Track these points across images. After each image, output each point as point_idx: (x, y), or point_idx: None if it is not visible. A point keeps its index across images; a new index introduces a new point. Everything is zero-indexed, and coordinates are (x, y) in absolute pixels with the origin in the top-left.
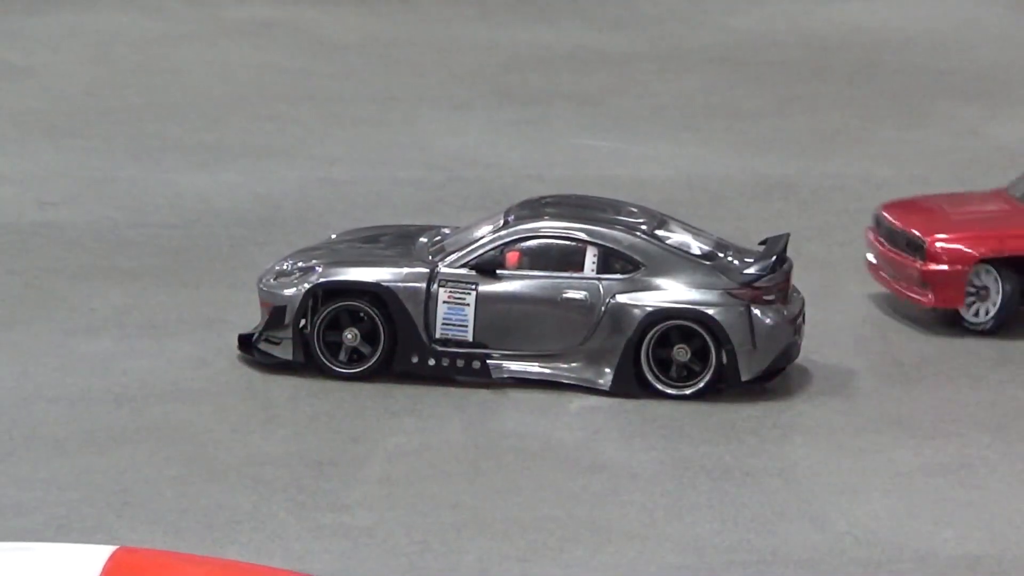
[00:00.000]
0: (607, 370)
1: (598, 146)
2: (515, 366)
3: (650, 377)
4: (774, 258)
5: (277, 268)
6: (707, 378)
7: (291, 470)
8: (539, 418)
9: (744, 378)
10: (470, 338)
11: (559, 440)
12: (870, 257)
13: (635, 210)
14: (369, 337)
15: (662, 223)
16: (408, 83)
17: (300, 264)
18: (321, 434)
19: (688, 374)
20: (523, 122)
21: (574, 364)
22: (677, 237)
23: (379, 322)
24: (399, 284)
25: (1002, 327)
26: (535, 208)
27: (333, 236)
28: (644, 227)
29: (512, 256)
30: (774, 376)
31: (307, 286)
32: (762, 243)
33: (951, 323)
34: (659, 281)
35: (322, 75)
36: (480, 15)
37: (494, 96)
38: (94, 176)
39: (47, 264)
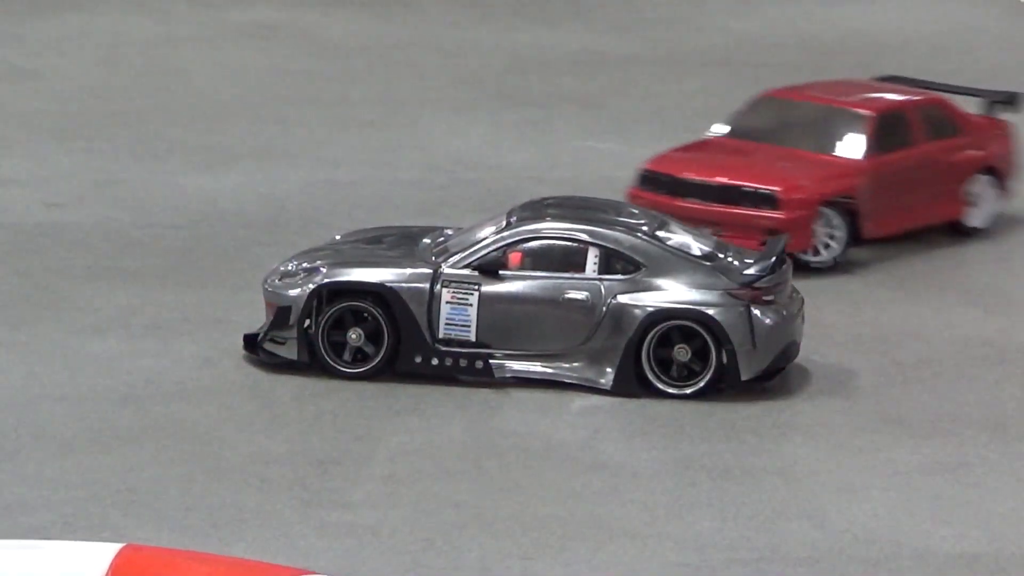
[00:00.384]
0: (608, 370)
1: (599, 148)
2: (517, 366)
3: (651, 377)
4: (773, 259)
5: (282, 269)
6: (707, 378)
7: (296, 469)
8: (541, 417)
9: (744, 378)
10: (473, 338)
11: (561, 439)
12: None
13: (636, 211)
14: (373, 337)
15: (663, 224)
16: (411, 86)
17: (305, 265)
18: (325, 433)
19: (688, 374)
20: (525, 124)
21: (576, 364)
22: (677, 238)
23: (383, 322)
24: (403, 284)
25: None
26: (537, 209)
27: (337, 237)
28: (645, 228)
29: (514, 257)
30: (774, 376)
31: (312, 286)
32: (762, 244)
33: (950, 324)
34: (660, 282)
35: (326, 78)
36: (482, 18)
37: (496, 98)
38: (100, 177)
39: (53, 265)
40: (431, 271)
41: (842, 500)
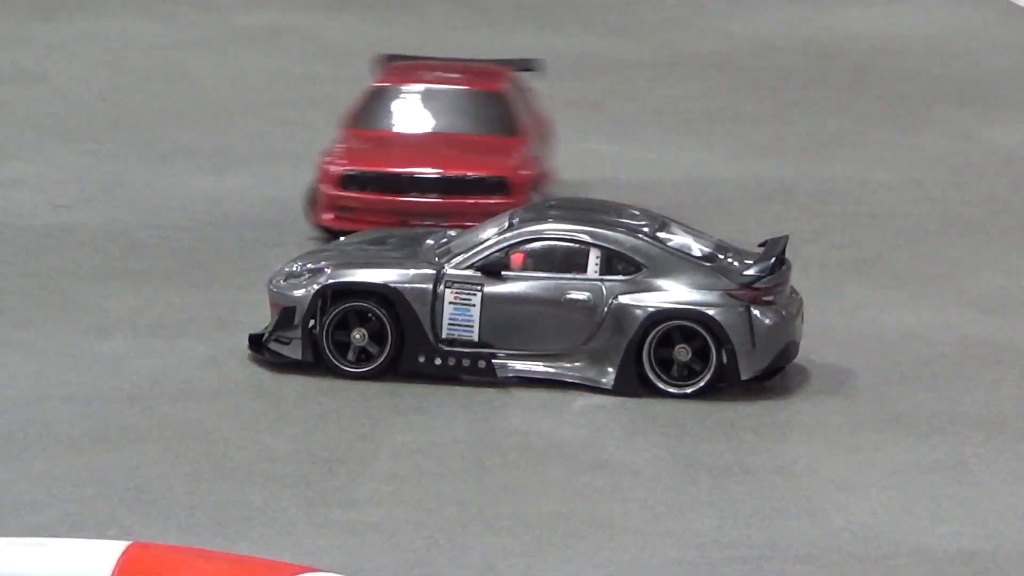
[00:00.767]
0: (610, 369)
1: (601, 150)
2: (520, 365)
3: (652, 376)
4: (773, 260)
5: (287, 270)
6: (707, 377)
7: (300, 467)
8: (543, 416)
9: (744, 377)
10: (476, 338)
11: (563, 438)
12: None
13: (637, 213)
14: (377, 337)
15: (663, 225)
16: None
17: (309, 266)
18: (330, 432)
19: (689, 373)
20: None
21: (577, 363)
22: (678, 239)
23: (387, 322)
24: (406, 285)
25: None
26: (539, 211)
27: (341, 238)
28: (646, 229)
29: (517, 258)
30: (773, 375)
31: (316, 287)
32: (761, 245)
33: (948, 324)
34: (660, 282)
35: (330, 80)
36: (485, 22)
37: None
38: (107, 179)
39: (61, 265)
40: (434, 272)
41: (841, 498)
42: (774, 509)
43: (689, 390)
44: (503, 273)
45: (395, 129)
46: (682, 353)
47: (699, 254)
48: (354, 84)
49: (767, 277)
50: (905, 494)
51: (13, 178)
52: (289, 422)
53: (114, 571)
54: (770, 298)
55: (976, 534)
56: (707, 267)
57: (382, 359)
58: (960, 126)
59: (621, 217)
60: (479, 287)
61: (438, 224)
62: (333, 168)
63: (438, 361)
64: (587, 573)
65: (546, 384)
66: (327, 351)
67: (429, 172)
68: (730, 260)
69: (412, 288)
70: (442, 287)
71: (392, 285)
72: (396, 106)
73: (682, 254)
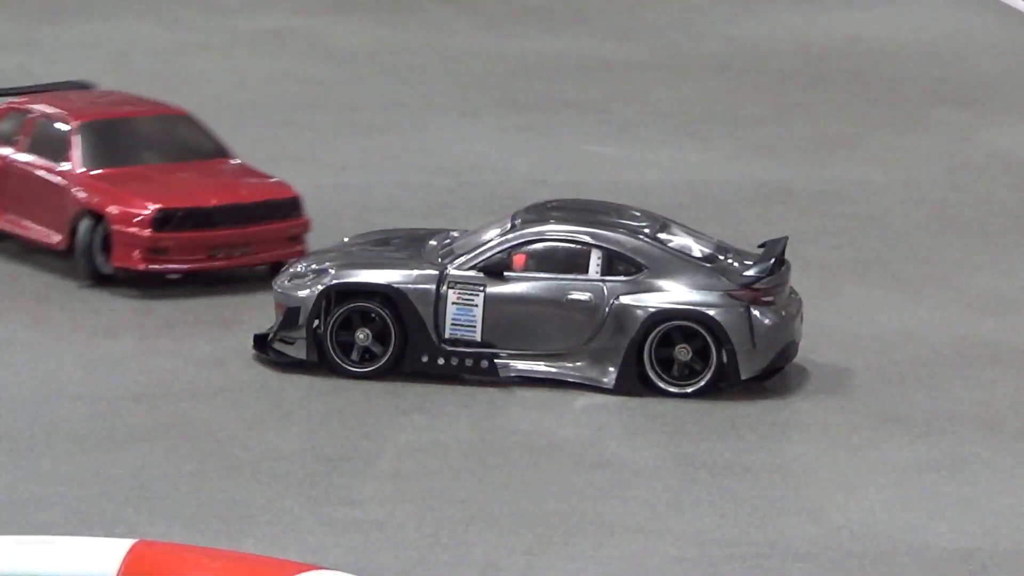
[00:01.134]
0: (611, 369)
1: (602, 152)
2: (522, 365)
3: (652, 376)
4: (773, 260)
5: (291, 270)
6: (708, 377)
7: (304, 466)
8: (545, 415)
9: (744, 377)
10: (478, 338)
11: (564, 437)
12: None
13: (638, 214)
14: (380, 337)
15: (664, 226)
16: (418, 91)
17: (314, 266)
18: (334, 431)
19: (689, 373)
20: (529, 129)
21: (579, 363)
22: (679, 240)
23: (390, 322)
24: (410, 286)
25: None
26: (541, 212)
27: (346, 239)
28: (647, 230)
29: (519, 258)
30: (773, 375)
31: (320, 287)
32: (761, 246)
33: (946, 324)
34: (661, 283)
35: (334, 83)
36: (488, 25)
37: (501, 104)
38: None
39: (68, 266)
40: (437, 272)
41: (839, 496)
42: (774, 507)
43: (689, 390)
44: (505, 274)
45: (142, 163)
46: (683, 353)
47: (699, 255)
48: (357, 87)
49: (767, 278)
50: (903, 492)
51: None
52: (293, 421)
53: (120, 569)
54: (770, 298)
55: (974, 532)
56: (707, 268)
57: (385, 359)
58: (958, 128)
59: (622, 218)
60: (482, 287)
61: (244, 256)
62: (140, 209)
63: (441, 361)
64: (588, 571)
65: (548, 384)
66: (331, 351)
67: (235, 202)
68: (730, 261)
69: (415, 288)
70: (445, 287)
71: (396, 285)
72: (113, 141)
73: (683, 255)
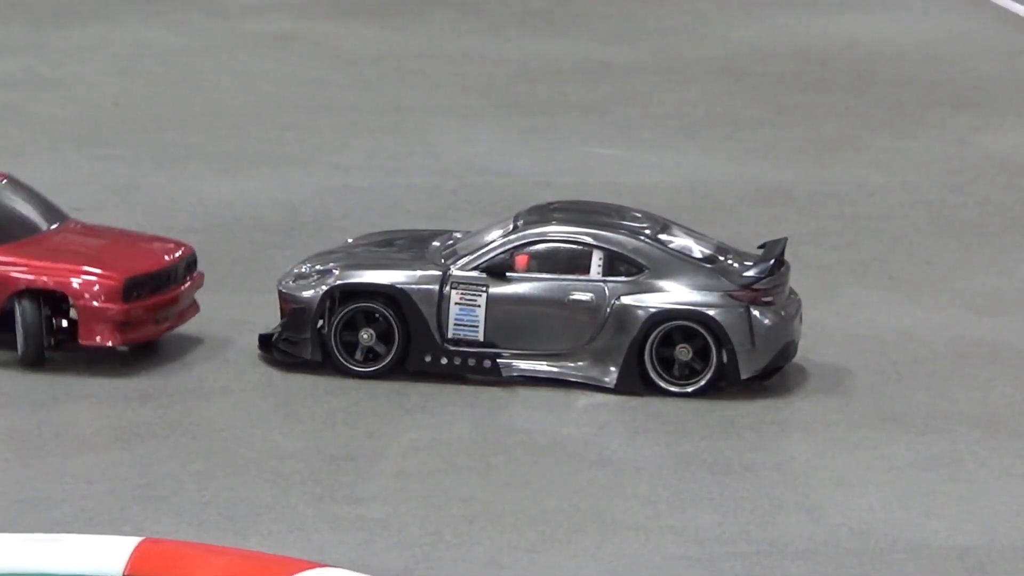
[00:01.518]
0: (612, 368)
1: (603, 154)
2: (524, 365)
3: (653, 375)
4: (773, 261)
5: (296, 271)
6: (708, 376)
7: (309, 464)
8: (547, 415)
9: (744, 376)
10: (481, 338)
11: (566, 436)
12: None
13: (639, 215)
14: (384, 337)
15: (665, 228)
16: (421, 94)
17: (318, 267)
18: (338, 430)
19: (690, 372)
20: (531, 131)
21: (580, 363)
22: (679, 241)
23: (394, 323)
24: (413, 286)
25: None
26: (543, 213)
27: (350, 240)
28: (648, 231)
29: (521, 259)
30: (772, 374)
31: (325, 288)
32: (761, 247)
33: (944, 324)
34: (662, 283)
35: (339, 86)
36: (490, 29)
37: (504, 106)
38: (120, 183)
39: None
40: (440, 273)
41: (838, 495)
42: (773, 505)
43: (690, 389)
44: (508, 274)
45: (22, 237)
46: (683, 353)
47: (700, 256)
48: (361, 90)
49: (766, 278)
50: (901, 491)
51: (29, 182)
52: (298, 420)
53: (127, 566)
54: (769, 299)
55: (971, 530)
56: (708, 268)
57: (389, 358)
58: (955, 130)
59: (623, 219)
60: (484, 288)
61: (176, 317)
62: (105, 282)
63: (444, 361)
64: (590, 568)
65: (550, 383)
66: (335, 351)
67: (170, 264)
68: (730, 262)
69: (419, 289)
70: (448, 288)
71: (399, 286)
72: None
73: (683, 256)
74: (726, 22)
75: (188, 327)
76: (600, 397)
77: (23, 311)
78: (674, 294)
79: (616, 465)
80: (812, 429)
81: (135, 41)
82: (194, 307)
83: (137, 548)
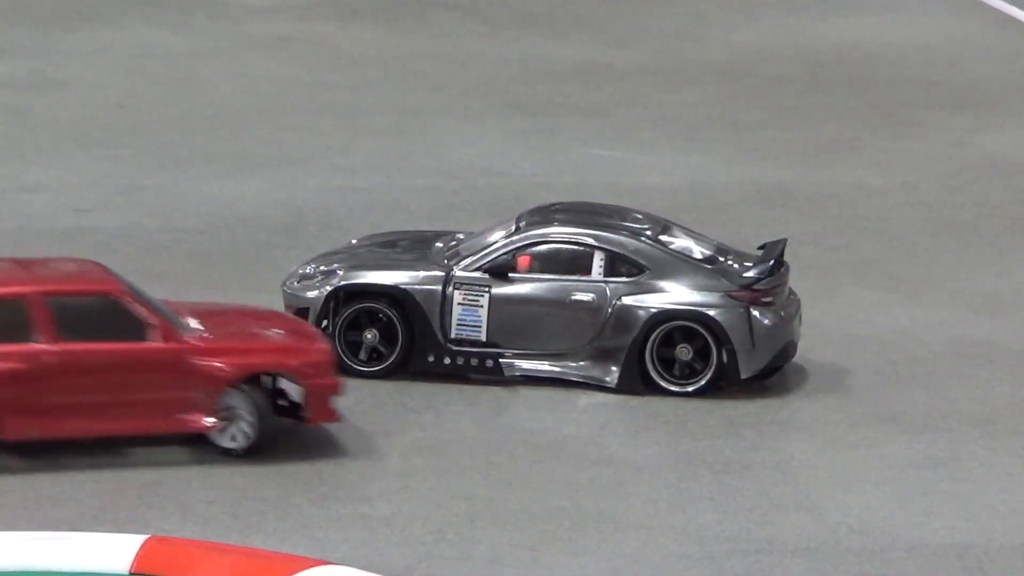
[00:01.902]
0: (613, 368)
1: (604, 155)
2: (526, 364)
3: (654, 375)
4: (772, 262)
5: (300, 271)
6: (708, 376)
7: (313, 463)
8: (548, 414)
9: (743, 376)
10: (483, 338)
11: (568, 435)
12: None
13: (640, 216)
14: (388, 337)
15: (665, 229)
16: (424, 95)
17: (322, 268)
18: (342, 429)
19: (690, 372)
20: (533, 132)
21: (582, 363)
22: (680, 242)
23: (397, 323)
24: (416, 287)
25: None
26: (545, 214)
27: (353, 241)
28: (648, 232)
29: (523, 260)
30: (772, 374)
31: (329, 288)
32: (761, 248)
33: (942, 324)
34: (663, 284)
35: (341, 87)
36: (492, 31)
37: (506, 108)
38: (125, 184)
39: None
40: (443, 274)
41: (837, 493)
42: (773, 504)
43: (690, 388)
44: (510, 275)
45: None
46: (684, 352)
47: (700, 256)
48: (364, 92)
49: (766, 279)
50: (900, 490)
51: (35, 183)
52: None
53: (133, 564)
54: (769, 299)
55: (969, 528)
56: (708, 269)
57: (393, 358)
58: (953, 132)
59: (624, 220)
60: (487, 288)
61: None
62: (319, 356)
63: (447, 360)
64: (592, 566)
65: (551, 383)
66: (339, 350)
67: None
68: (730, 262)
69: (422, 289)
70: (451, 288)
71: (402, 287)
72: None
73: (684, 257)
74: (726, 24)
75: None
76: (601, 397)
77: (249, 397)
78: (675, 294)
79: (617, 464)
80: (811, 428)
81: (139, 43)
82: None
83: (143, 546)
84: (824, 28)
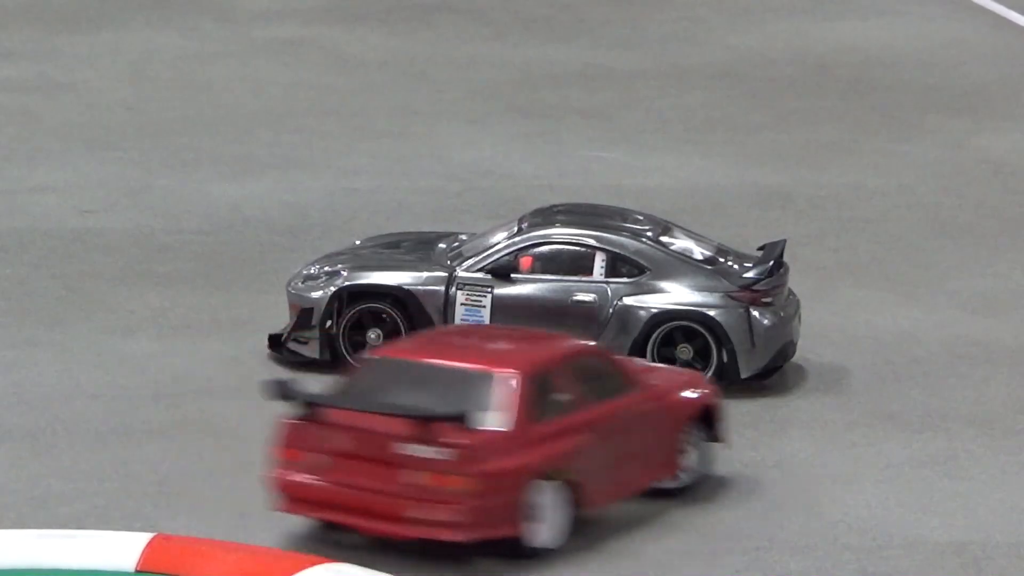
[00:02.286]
0: None
1: (606, 158)
2: None
3: None
4: (772, 263)
5: (305, 272)
6: (708, 376)
7: None
8: None
9: (743, 376)
10: None
11: None
12: None
13: (641, 218)
14: (392, 337)
15: (666, 230)
16: (427, 98)
17: (326, 268)
18: None
19: None
20: (535, 135)
21: None
22: (680, 243)
23: (400, 323)
24: (419, 287)
25: None
26: (547, 216)
27: (357, 242)
28: (649, 234)
29: (525, 261)
30: (772, 374)
31: (333, 289)
32: (760, 249)
33: (940, 325)
34: (663, 284)
35: (346, 90)
36: (495, 34)
37: (508, 111)
38: (131, 185)
39: (87, 268)
40: (446, 274)
41: (836, 492)
42: (772, 502)
43: None
44: (512, 275)
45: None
46: (684, 352)
47: (700, 257)
48: (368, 94)
49: (766, 279)
50: (898, 488)
51: (42, 185)
52: None
53: (139, 562)
54: (769, 300)
55: (966, 526)
56: (708, 270)
57: None
58: (951, 135)
59: (625, 222)
60: (489, 289)
61: None
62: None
63: None
64: (592, 562)
65: None
66: (343, 350)
67: None
68: (730, 263)
69: (425, 290)
70: (454, 289)
71: (406, 287)
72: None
73: (684, 257)
74: (726, 28)
75: (198, 328)
76: None
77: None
78: (675, 295)
79: None
80: (810, 427)
81: (146, 46)
82: None
83: (149, 544)
84: (824, 32)
